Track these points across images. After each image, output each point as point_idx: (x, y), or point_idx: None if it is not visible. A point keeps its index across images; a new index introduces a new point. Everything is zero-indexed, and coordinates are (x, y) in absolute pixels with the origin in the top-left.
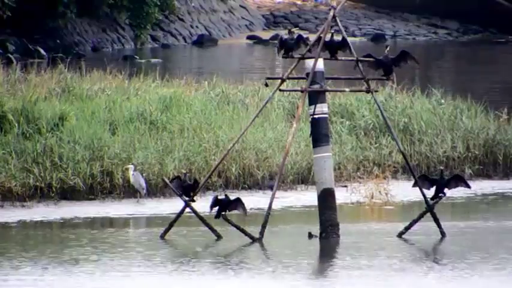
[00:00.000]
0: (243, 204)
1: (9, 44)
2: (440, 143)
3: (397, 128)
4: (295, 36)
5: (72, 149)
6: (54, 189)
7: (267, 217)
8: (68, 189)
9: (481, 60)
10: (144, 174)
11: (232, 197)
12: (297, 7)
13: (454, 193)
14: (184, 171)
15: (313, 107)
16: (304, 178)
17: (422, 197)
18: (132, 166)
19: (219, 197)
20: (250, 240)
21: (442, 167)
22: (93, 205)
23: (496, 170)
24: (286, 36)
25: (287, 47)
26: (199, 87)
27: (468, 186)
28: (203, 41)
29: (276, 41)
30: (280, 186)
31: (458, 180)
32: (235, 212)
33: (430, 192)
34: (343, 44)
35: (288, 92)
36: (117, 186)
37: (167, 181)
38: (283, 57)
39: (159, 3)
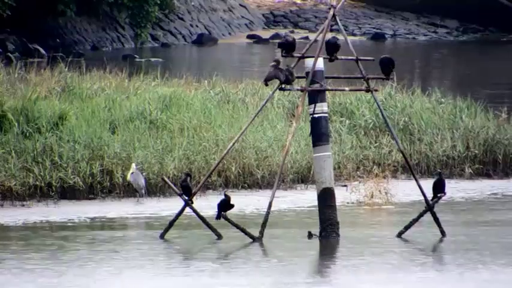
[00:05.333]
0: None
1: (9, 43)
2: (440, 142)
3: (396, 127)
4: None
5: (72, 148)
6: (54, 189)
7: (266, 216)
8: (67, 189)
9: (480, 59)
10: (144, 174)
11: (231, 195)
12: (296, 6)
13: (454, 193)
14: (186, 171)
15: (313, 106)
16: (304, 177)
17: (422, 196)
18: (133, 165)
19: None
20: (251, 240)
21: (439, 170)
22: (93, 204)
23: (496, 169)
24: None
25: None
26: (199, 87)
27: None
28: (203, 40)
29: (276, 40)
30: (280, 186)
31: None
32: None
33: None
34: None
35: (287, 91)
36: (117, 185)
37: (167, 180)
38: (283, 56)
39: (158, 2)
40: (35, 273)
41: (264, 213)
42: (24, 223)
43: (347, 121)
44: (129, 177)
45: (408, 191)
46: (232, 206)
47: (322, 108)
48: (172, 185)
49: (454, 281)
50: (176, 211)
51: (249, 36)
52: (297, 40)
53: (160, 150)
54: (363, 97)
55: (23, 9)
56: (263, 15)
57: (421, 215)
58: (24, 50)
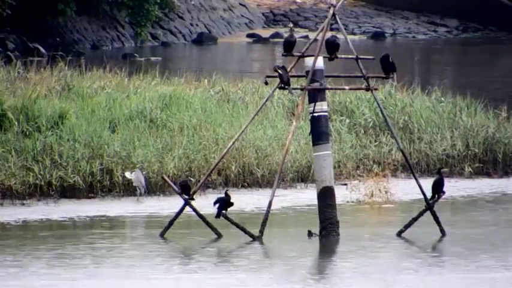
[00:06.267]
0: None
1: (8, 42)
2: (440, 141)
3: (396, 126)
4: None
5: (72, 147)
6: (54, 188)
7: (266, 215)
8: (67, 188)
9: (480, 58)
10: (144, 172)
11: (232, 194)
12: (296, 5)
13: (453, 192)
14: (185, 174)
15: (313, 105)
16: (304, 176)
17: (422, 195)
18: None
19: (220, 197)
20: (250, 239)
21: (441, 167)
22: (92, 203)
23: (496, 168)
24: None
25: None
26: (199, 85)
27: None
28: (203, 39)
29: (276, 40)
30: (280, 185)
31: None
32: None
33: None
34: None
35: (287, 90)
36: (117, 184)
37: (167, 179)
38: (283, 55)
39: (158, 1)
40: (34, 273)
41: (264, 212)
42: (24, 222)
43: (347, 120)
44: (127, 174)
45: (408, 190)
46: (232, 204)
47: (322, 107)
48: (172, 184)
49: (454, 280)
50: (176, 210)
51: (248, 35)
52: (296, 39)
53: (160, 149)
54: (362, 96)
55: (22, 8)
56: (263, 14)
57: (420, 214)
58: (24, 49)
